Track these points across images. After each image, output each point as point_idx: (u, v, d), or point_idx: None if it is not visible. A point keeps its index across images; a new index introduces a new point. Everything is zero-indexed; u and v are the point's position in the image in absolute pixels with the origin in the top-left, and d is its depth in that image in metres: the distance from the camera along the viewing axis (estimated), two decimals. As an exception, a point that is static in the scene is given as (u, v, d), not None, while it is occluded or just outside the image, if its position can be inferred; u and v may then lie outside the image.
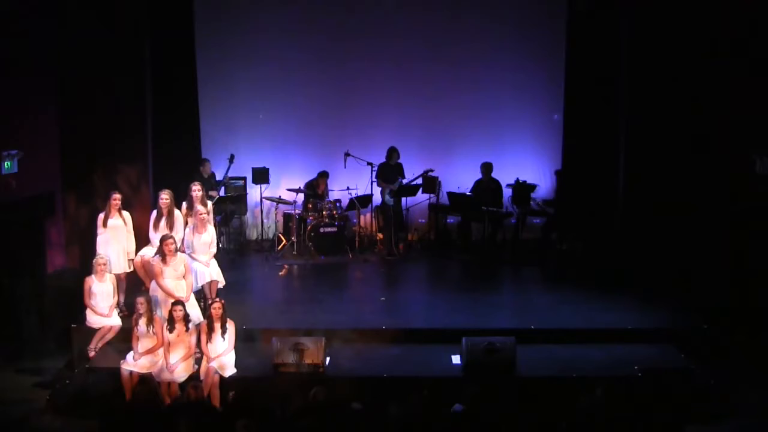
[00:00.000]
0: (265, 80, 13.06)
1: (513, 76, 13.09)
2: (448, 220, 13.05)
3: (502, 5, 13.03)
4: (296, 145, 13.21)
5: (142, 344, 8.58)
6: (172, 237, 9.13)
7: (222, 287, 9.67)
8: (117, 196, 9.75)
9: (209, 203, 10.22)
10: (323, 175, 12.58)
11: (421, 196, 12.93)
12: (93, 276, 9.23)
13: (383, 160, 12.57)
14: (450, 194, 12.45)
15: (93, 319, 9.20)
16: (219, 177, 11.96)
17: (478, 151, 12.90)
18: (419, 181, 12.68)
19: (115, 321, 9.29)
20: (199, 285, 9.44)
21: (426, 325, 9.62)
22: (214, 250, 9.65)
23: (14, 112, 10.23)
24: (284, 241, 12.50)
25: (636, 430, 7.21)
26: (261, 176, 12.73)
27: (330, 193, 12.74)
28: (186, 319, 8.57)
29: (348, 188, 12.71)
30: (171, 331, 8.49)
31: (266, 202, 12.99)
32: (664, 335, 9.27)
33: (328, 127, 13.17)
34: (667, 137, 11.58)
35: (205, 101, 12.98)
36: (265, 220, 13.16)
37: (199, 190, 9.96)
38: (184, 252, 9.42)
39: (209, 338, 8.47)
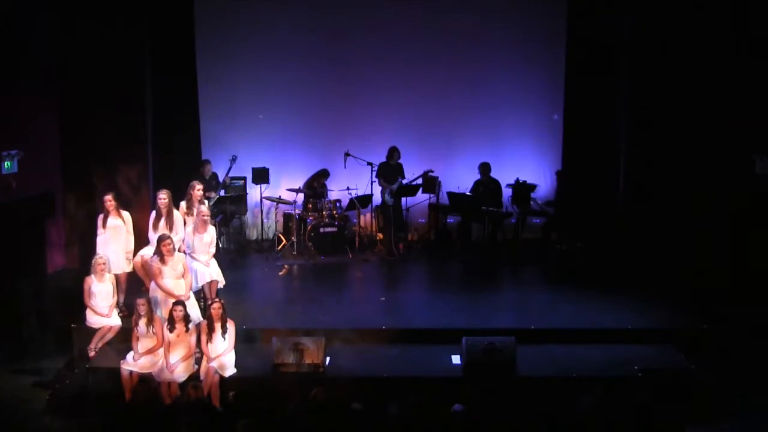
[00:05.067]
0: (265, 80, 13.06)
1: (513, 76, 13.08)
2: (448, 220, 13.05)
3: (502, 5, 13.03)
4: (296, 145, 13.20)
5: (142, 344, 8.58)
6: (169, 237, 9.13)
7: (222, 287, 9.68)
8: (109, 197, 9.72)
9: (206, 203, 10.22)
10: (323, 174, 12.59)
11: (421, 196, 12.93)
12: (93, 276, 9.23)
13: (383, 159, 12.56)
14: (450, 194, 12.45)
15: (93, 319, 9.20)
16: (220, 178, 11.97)
17: (478, 151, 12.89)
18: (419, 181, 12.68)
19: (115, 321, 9.29)
20: (199, 285, 9.45)
21: (426, 325, 9.62)
22: (213, 250, 9.66)
23: (14, 112, 10.24)
24: (284, 241, 12.50)
25: (636, 430, 7.21)
26: (261, 176, 12.73)
27: (330, 193, 12.74)
28: (186, 319, 8.57)
29: (348, 188, 12.71)
30: (171, 331, 8.49)
31: (266, 202, 12.98)
32: (664, 335, 9.27)
33: (328, 127, 13.16)
34: (667, 137, 11.59)
35: (205, 101, 12.98)
36: (265, 220, 13.16)
37: (200, 190, 9.98)
38: (184, 252, 9.43)
39: (209, 338, 8.48)
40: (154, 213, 9.78)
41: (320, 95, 13.11)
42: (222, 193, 12.08)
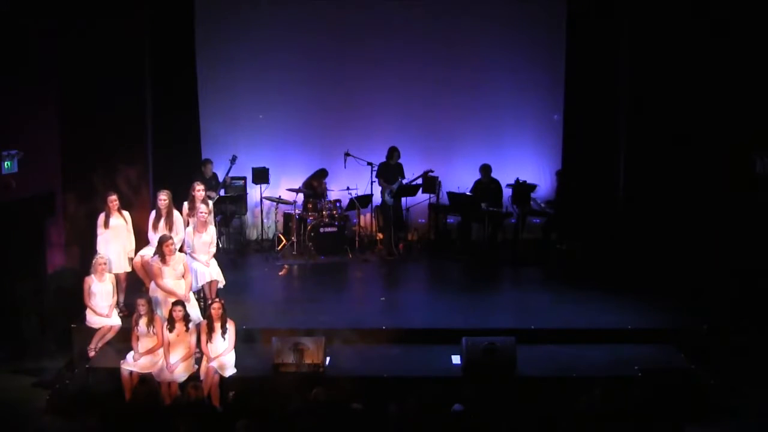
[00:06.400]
0: (265, 80, 13.06)
1: (513, 76, 13.09)
2: (448, 220, 13.05)
3: (502, 5, 13.04)
4: (296, 145, 13.21)
5: (142, 344, 8.58)
6: (171, 237, 9.13)
7: (222, 287, 9.67)
8: (113, 197, 9.74)
9: (210, 203, 10.24)
10: (322, 174, 12.59)
11: (421, 196, 12.93)
12: (93, 276, 9.23)
13: (383, 159, 12.57)
14: (450, 194, 12.45)
15: (93, 319, 9.20)
16: (220, 178, 11.97)
17: (478, 151, 12.91)
18: (419, 181, 12.68)
19: (115, 321, 9.29)
20: (199, 285, 9.45)
21: (426, 325, 9.62)
22: (213, 249, 9.65)
23: (15, 112, 10.23)
24: (284, 241, 12.50)
25: (636, 430, 7.21)
26: (261, 176, 12.73)
27: (330, 193, 12.74)
28: (186, 319, 8.57)
29: (348, 188, 12.71)
30: (171, 330, 8.49)
31: (266, 202, 12.98)
32: (664, 335, 9.27)
33: (328, 127, 13.17)
34: (667, 137, 11.59)
35: (205, 101, 12.97)
36: (265, 220, 13.16)
37: (202, 190, 9.98)
38: (184, 252, 9.43)
39: (209, 338, 8.47)
40: (153, 213, 9.77)
41: (320, 95, 13.12)
42: (222, 192, 12.09)
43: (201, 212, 9.54)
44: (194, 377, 8.41)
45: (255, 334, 9.20)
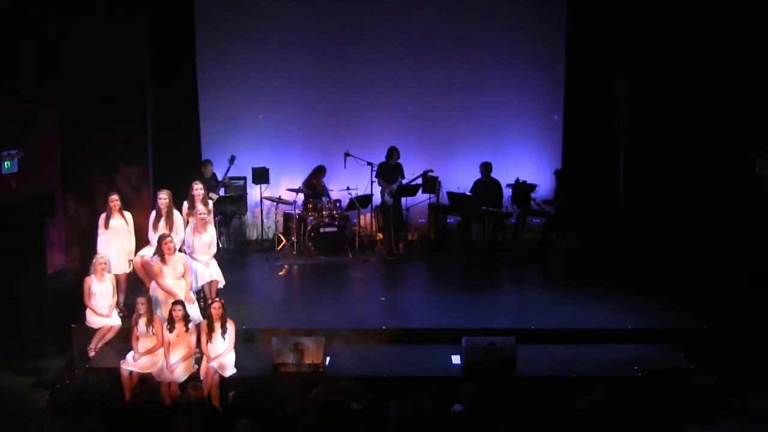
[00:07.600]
0: (265, 80, 13.06)
1: (513, 76, 13.09)
2: (448, 220, 13.05)
3: (502, 5, 13.04)
4: (296, 145, 13.21)
5: (142, 344, 8.59)
6: (170, 236, 9.14)
7: (222, 287, 9.68)
8: (114, 197, 9.75)
9: (210, 203, 10.24)
10: (320, 171, 12.59)
11: (421, 196, 12.93)
12: (93, 276, 9.23)
13: (383, 159, 12.57)
14: (450, 194, 12.45)
15: (93, 319, 9.20)
16: (220, 178, 11.97)
17: (478, 151, 12.90)
18: (419, 181, 12.69)
19: (115, 321, 9.29)
20: (199, 285, 9.45)
21: (426, 325, 9.62)
22: (214, 250, 9.66)
23: (14, 112, 10.23)
24: (284, 241, 12.50)
25: (636, 430, 7.22)
26: (261, 176, 12.73)
27: (330, 192, 12.74)
28: (186, 319, 8.58)
29: (348, 188, 12.71)
30: (171, 330, 8.49)
31: (266, 202, 12.98)
32: (664, 335, 9.26)
33: (328, 127, 13.17)
34: (667, 137, 11.60)
35: (205, 101, 12.98)
36: (265, 220, 13.16)
37: (200, 189, 9.98)
38: (184, 252, 9.44)
39: (209, 338, 8.48)
40: (154, 213, 9.78)
41: (320, 95, 13.11)
42: (222, 192, 12.09)
43: (200, 213, 9.54)
44: (194, 377, 8.41)
45: (255, 334, 9.21)
